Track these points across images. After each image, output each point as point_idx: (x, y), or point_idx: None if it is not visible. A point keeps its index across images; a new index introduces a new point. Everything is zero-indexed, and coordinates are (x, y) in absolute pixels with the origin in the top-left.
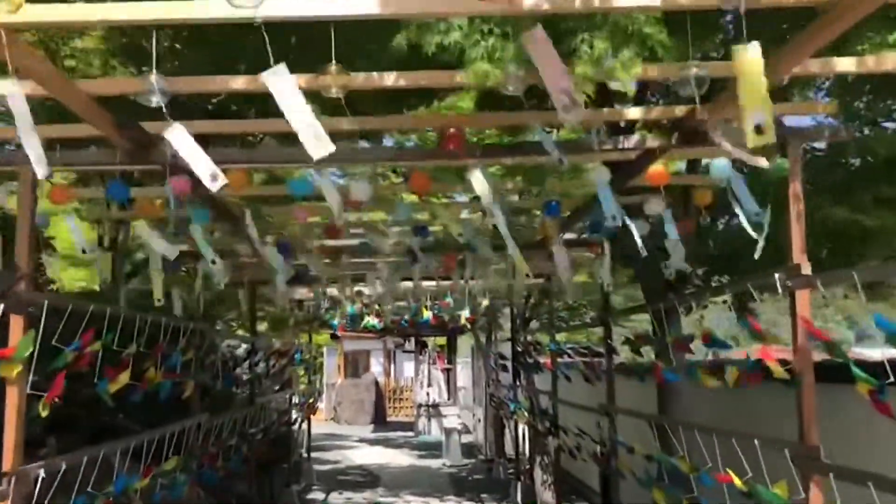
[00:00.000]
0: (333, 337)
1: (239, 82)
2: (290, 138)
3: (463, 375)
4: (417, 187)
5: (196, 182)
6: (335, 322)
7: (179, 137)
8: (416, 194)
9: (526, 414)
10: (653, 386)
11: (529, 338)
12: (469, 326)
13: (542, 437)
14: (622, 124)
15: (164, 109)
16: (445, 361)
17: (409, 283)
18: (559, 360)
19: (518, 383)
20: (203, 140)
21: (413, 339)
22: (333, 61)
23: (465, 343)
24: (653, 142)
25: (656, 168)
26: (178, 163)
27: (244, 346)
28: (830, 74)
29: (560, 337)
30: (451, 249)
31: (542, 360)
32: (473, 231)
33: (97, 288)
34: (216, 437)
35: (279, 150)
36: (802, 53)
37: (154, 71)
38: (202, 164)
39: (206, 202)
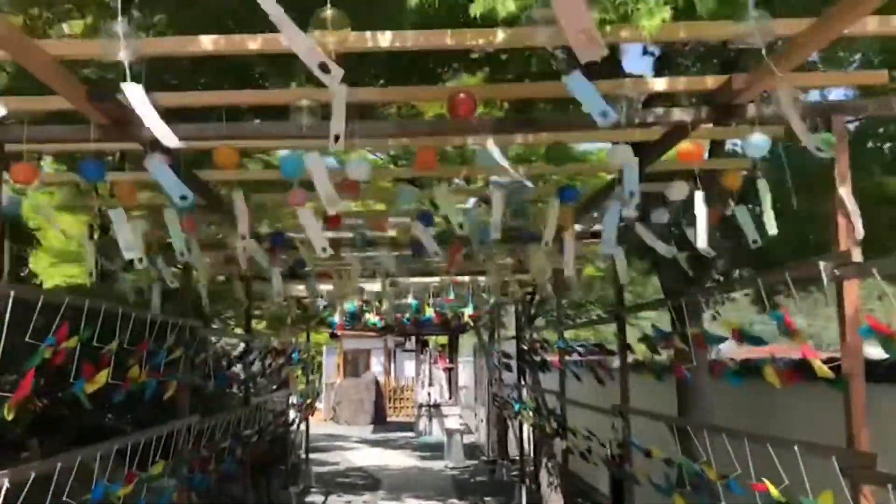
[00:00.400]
0: (333, 336)
1: (209, 43)
2: (283, 113)
3: (465, 374)
4: (423, 164)
5: (175, 161)
6: (334, 320)
7: (134, 94)
8: (421, 170)
9: (532, 414)
10: (670, 385)
11: (535, 335)
12: (472, 324)
13: (548, 439)
14: (639, 106)
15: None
16: (447, 360)
17: (411, 280)
18: (568, 358)
19: (523, 382)
20: (184, 114)
21: (414, 338)
22: (328, 7)
23: (466, 342)
24: (682, 115)
25: (688, 146)
26: (158, 139)
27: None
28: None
29: (567, 334)
30: (455, 241)
31: (549, 358)
32: (477, 221)
33: (88, 284)
34: (208, 440)
35: (268, 125)
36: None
37: (119, 20)
38: (156, 124)
39: (194, 188)
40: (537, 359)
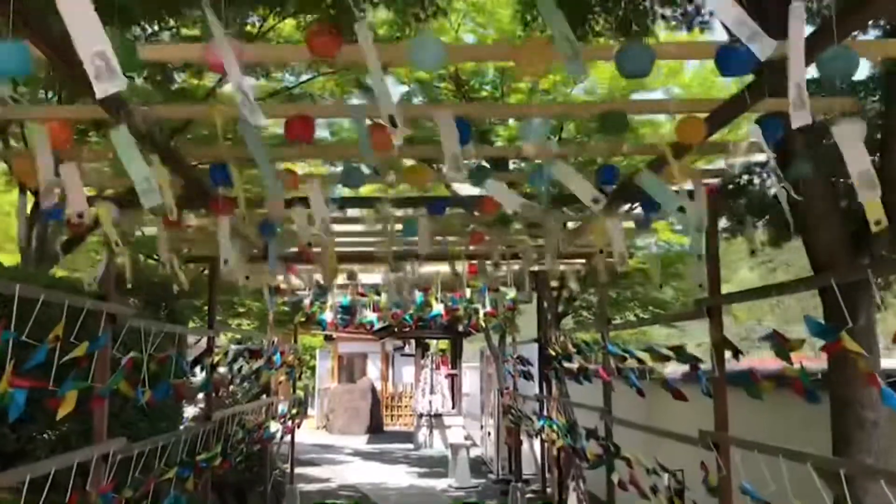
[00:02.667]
0: (328, 338)
1: None
2: None
3: (468, 381)
4: None
5: None
6: (324, 317)
7: None
8: None
9: (564, 434)
10: (777, 405)
11: (566, 337)
12: (484, 325)
13: (584, 465)
14: None
15: None
16: (449, 366)
17: (422, 269)
18: (620, 365)
19: (546, 394)
20: None
21: (414, 342)
22: None
23: (469, 346)
24: None
25: None
26: None
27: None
28: None
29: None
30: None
31: (588, 366)
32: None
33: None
34: (142, 470)
35: None
36: None
37: None
38: None
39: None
40: (572, 366)
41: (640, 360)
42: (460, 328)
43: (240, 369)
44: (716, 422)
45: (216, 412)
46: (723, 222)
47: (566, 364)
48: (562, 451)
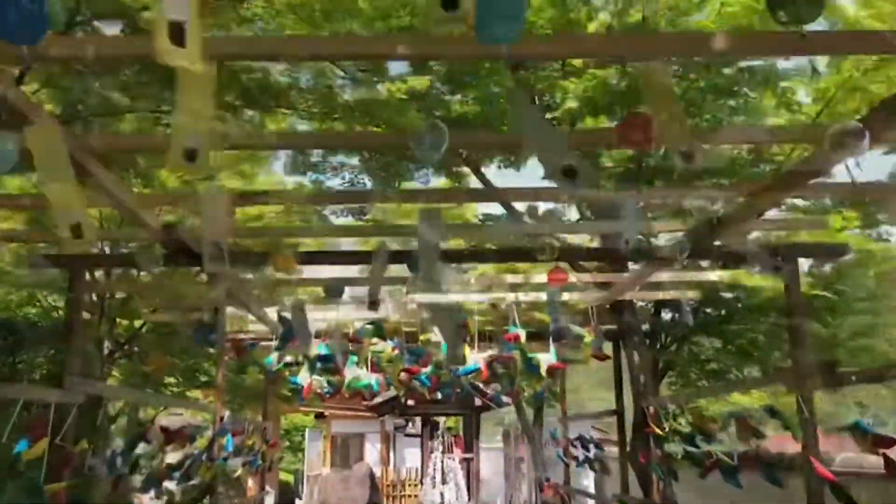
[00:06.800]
0: (318, 417)
1: None
2: None
3: (486, 466)
4: None
5: None
6: (297, 379)
7: None
8: None
9: None
10: None
11: (678, 406)
12: (535, 388)
13: None
14: None
15: None
16: (463, 447)
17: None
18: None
19: (644, 496)
20: None
21: (419, 419)
22: None
23: (485, 425)
24: None
25: None
26: None
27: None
28: None
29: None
30: None
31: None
32: None
33: None
34: None
35: None
36: None
37: None
38: None
39: None
40: (717, 452)
41: None
42: (477, 402)
43: (134, 465)
44: None
45: None
46: None
47: (693, 446)
48: None
